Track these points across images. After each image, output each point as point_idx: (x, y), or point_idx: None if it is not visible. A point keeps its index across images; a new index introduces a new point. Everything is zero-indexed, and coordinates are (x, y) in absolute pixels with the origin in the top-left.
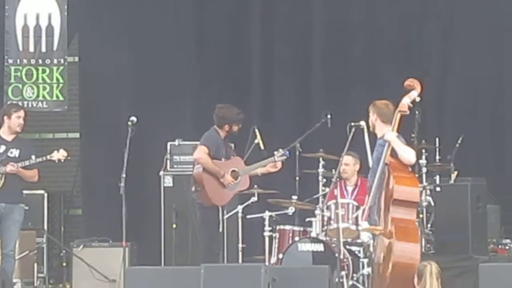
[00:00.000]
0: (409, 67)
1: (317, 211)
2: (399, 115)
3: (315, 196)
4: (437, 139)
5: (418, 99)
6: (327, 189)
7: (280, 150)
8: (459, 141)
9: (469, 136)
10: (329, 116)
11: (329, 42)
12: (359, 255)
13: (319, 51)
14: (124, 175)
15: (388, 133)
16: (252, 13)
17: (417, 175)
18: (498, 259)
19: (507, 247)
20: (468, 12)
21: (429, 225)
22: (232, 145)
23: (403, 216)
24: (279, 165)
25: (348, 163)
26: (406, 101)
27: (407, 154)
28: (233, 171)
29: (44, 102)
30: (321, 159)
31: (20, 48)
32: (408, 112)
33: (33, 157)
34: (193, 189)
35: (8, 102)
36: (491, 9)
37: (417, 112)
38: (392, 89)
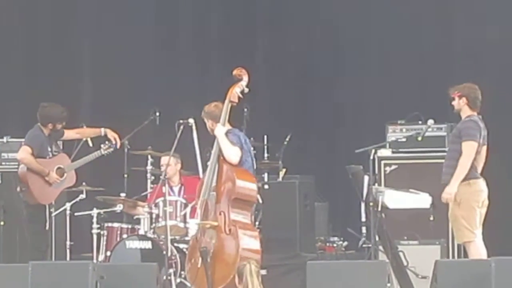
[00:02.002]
0: (237, 62)
1: (145, 209)
2: (229, 105)
3: (143, 194)
4: (265, 136)
5: (246, 89)
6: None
7: (107, 142)
8: (287, 139)
9: (297, 133)
10: (157, 114)
11: (160, 35)
12: (187, 252)
13: (148, 47)
14: None
15: (218, 128)
16: (77, 16)
17: None
18: (325, 256)
19: (334, 245)
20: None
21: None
22: (60, 142)
23: (241, 215)
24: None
25: (170, 163)
26: (236, 90)
27: (230, 154)
28: (58, 168)
29: None
30: (149, 156)
31: None
32: (237, 102)
33: None
34: (18, 188)
35: None
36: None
37: (245, 110)
38: (220, 83)
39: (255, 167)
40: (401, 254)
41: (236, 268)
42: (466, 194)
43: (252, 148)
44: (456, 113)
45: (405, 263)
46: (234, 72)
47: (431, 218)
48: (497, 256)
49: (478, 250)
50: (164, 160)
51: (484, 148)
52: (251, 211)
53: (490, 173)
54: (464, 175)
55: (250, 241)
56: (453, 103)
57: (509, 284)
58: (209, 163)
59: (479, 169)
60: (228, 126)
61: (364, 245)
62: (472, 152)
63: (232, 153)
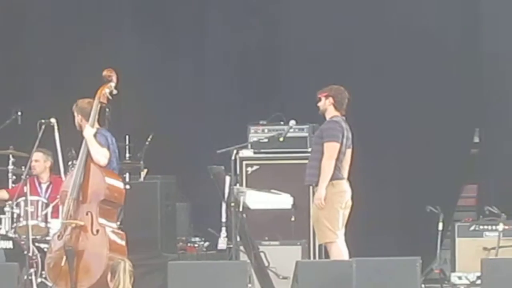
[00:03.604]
0: (99, 61)
1: (7, 208)
2: (98, 106)
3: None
4: (127, 136)
5: (115, 91)
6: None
7: None
8: (148, 139)
9: (159, 134)
10: (19, 113)
11: (19, 33)
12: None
13: (9, 44)
14: None
15: (86, 129)
16: None
17: None
18: (187, 257)
19: (196, 245)
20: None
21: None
22: None
23: (108, 216)
24: None
25: (38, 159)
26: (106, 91)
27: (99, 156)
28: None
29: None
30: (11, 156)
31: None
32: (106, 103)
33: None
34: None
35: None
36: None
37: (107, 110)
38: (83, 83)
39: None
40: (262, 254)
41: (111, 265)
42: (329, 195)
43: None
44: (321, 114)
45: (266, 264)
46: (104, 73)
47: (292, 219)
48: (359, 256)
49: (339, 251)
50: (36, 156)
51: (349, 150)
52: (118, 212)
53: (353, 174)
54: (329, 176)
55: (117, 242)
56: (319, 104)
57: (369, 284)
58: (76, 162)
59: (344, 171)
60: (96, 126)
61: (225, 245)
62: (333, 153)
63: (101, 155)
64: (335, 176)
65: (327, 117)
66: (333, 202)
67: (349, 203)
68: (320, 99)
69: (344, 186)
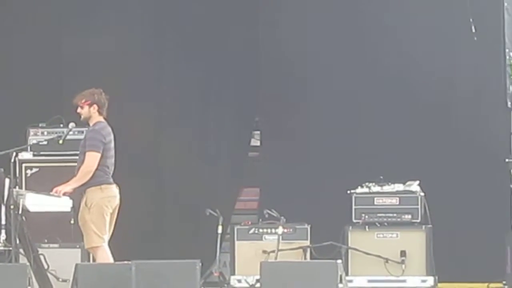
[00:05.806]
0: None
1: None
2: None
3: None
4: None
5: None
6: None
7: None
8: None
9: None
10: None
11: None
12: None
13: None
14: None
15: None
16: None
17: None
18: None
19: None
20: None
21: None
22: None
23: None
24: None
25: None
26: None
27: None
28: None
29: None
30: None
31: None
32: None
33: None
34: None
35: None
36: None
37: None
38: None
39: None
40: (41, 257)
41: None
42: (97, 199)
43: None
44: (84, 120)
45: (45, 266)
46: None
47: (72, 222)
48: (139, 259)
49: (105, 255)
50: None
51: (112, 152)
52: None
53: (134, 175)
54: (82, 183)
55: None
56: (81, 111)
57: (148, 285)
58: None
59: (110, 174)
60: None
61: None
62: (93, 162)
63: None
64: (104, 181)
65: (91, 123)
66: (101, 207)
67: (117, 208)
68: (82, 107)
69: (113, 191)
